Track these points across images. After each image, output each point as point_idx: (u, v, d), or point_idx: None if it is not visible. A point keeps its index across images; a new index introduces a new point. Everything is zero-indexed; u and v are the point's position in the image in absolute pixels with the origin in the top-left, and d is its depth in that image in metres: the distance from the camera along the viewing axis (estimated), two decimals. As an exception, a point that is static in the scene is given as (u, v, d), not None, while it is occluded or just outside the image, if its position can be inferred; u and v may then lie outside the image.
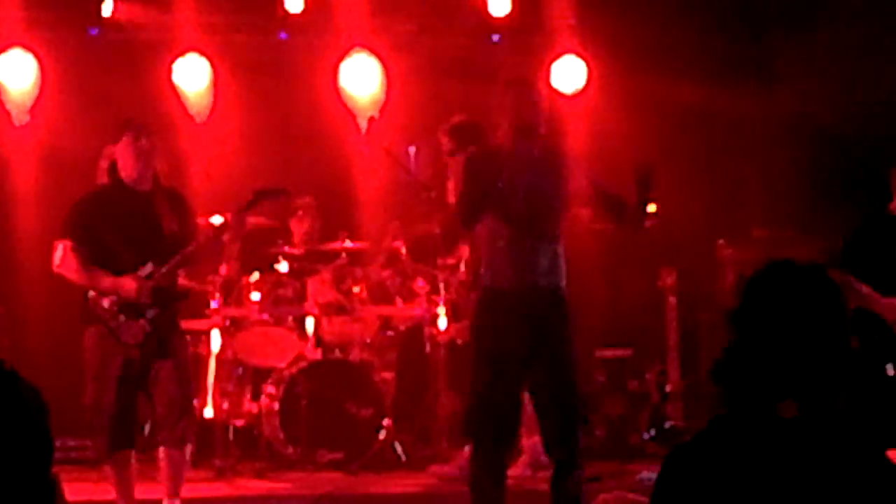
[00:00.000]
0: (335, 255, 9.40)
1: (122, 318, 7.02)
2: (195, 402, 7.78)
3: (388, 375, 9.32)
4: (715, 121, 10.05)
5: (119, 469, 7.12)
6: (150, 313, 7.05)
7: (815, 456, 2.64)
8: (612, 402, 9.39)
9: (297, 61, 10.14)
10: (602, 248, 9.24)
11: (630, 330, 9.90)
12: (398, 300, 9.44)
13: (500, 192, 6.30)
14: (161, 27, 9.80)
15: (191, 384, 7.56)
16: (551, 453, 6.49)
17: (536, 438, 7.53)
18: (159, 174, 7.25)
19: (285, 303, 9.37)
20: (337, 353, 9.23)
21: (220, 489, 8.37)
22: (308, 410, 8.82)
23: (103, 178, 7.22)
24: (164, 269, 7.06)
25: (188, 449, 7.20)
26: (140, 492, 7.30)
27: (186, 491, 7.31)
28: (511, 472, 6.85)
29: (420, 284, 9.18)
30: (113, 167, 7.15)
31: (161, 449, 7.11)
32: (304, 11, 9.84)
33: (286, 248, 9.46)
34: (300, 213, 9.58)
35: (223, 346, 9.11)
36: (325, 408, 8.88)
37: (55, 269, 7.13)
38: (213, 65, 9.78)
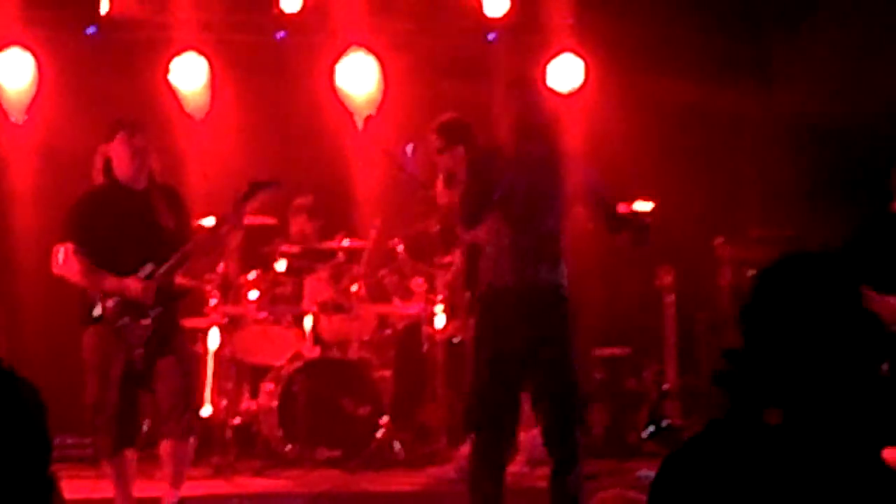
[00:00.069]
0: (333, 253, 9.40)
1: (125, 319, 7.03)
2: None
3: (385, 373, 9.32)
4: (713, 120, 10.05)
5: (120, 467, 7.13)
6: (153, 313, 7.06)
7: (809, 464, 2.63)
8: (609, 401, 9.40)
9: (294, 60, 10.14)
10: (600, 246, 9.25)
11: (628, 329, 9.91)
12: (396, 299, 9.44)
13: (502, 192, 6.32)
14: (158, 26, 9.80)
15: (193, 378, 7.60)
16: (550, 452, 6.50)
17: (533, 433, 7.54)
18: (154, 171, 7.26)
19: (283, 301, 9.38)
20: (335, 351, 9.24)
21: (219, 487, 8.37)
22: (306, 408, 8.82)
23: (98, 178, 7.21)
24: (164, 268, 7.07)
25: (192, 441, 7.22)
26: (138, 489, 7.31)
27: (185, 489, 7.32)
28: (509, 469, 6.85)
29: (418, 283, 9.19)
30: (108, 166, 7.15)
31: (165, 441, 7.12)
32: (301, 10, 9.85)
33: (284, 247, 9.47)
34: (299, 212, 9.60)
35: (221, 345, 9.11)
36: (323, 406, 8.88)
37: (56, 272, 7.13)
38: (210, 63, 9.78)
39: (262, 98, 10.03)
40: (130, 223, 7.09)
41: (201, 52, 9.74)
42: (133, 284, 6.99)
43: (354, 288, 9.26)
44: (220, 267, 9.08)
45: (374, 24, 9.93)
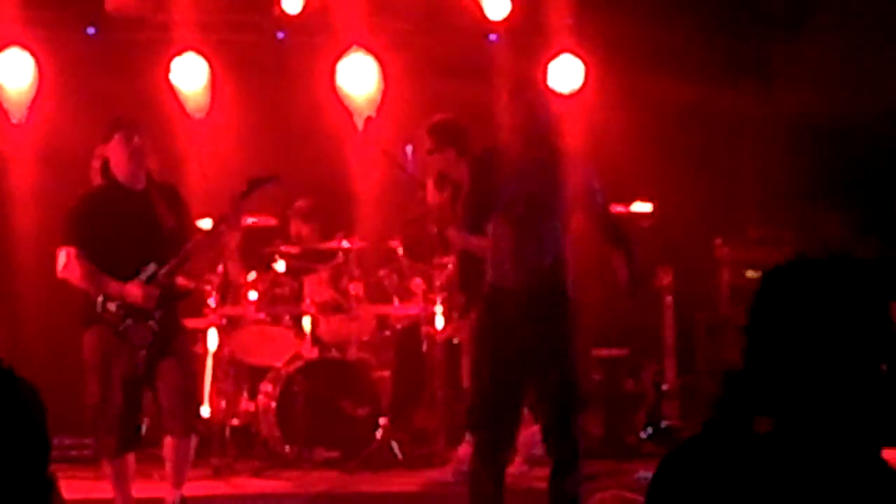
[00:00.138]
0: (332, 254, 9.40)
1: (129, 321, 7.03)
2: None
3: (384, 374, 9.32)
4: (712, 120, 10.05)
5: (121, 469, 7.14)
6: (157, 314, 7.07)
7: (799, 472, 2.62)
8: (608, 402, 9.39)
9: (294, 60, 10.14)
10: (598, 247, 9.25)
11: (626, 329, 9.91)
12: (395, 299, 9.44)
13: (506, 195, 6.33)
14: (158, 26, 9.80)
15: (195, 378, 7.62)
16: (550, 452, 6.50)
17: (530, 430, 7.54)
18: (152, 171, 7.26)
19: (282, 302, 9.38)
20: (334, 351, 9.24)
21: (218, 488, 8.37)
22: (305, 409, 8.82)
23: (96, 179, 7.21)
24: (165, 269, 7.07)
25: (194, 439, 7.23)
26: (137, 489, 7.31)
27: (184, 489, 7.32)
28: (507, 469, 6.86)
29: (417, 283, 9.19)
30: (106, 167, 7.15)
31: (168, 439, 7.12)
32: (301, 11, 9.84)
33: (283, 248, 9.47)
34: (298, 215, 9.62)
35: (220, 345, 9.11)
36: (322, 406, 8.88)
37: (59, 276, 7.13)
38: (210, 64, 9.78)
39: (262, 98, 10.03)
40: (131, 224, 7.09)
41: (201, 53, 9.75)
42: (135, 290, 7.00)
43: (353, 289, 9.26)
44: (220, 268, 9.09)
45: (374, 25, 9.93)
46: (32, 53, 9.62)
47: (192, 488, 7.50)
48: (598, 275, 6.72)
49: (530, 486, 7.61)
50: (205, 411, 8.87)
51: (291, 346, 9.19)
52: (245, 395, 9.30)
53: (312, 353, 9.16)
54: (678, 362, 9.48)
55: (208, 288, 8.99)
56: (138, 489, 7.34)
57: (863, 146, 9.32)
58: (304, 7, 9.81)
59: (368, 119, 9.39)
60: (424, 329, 9.18)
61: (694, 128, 10.03)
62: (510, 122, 6.49)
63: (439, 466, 8.61)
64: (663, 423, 9.39)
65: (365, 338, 9.33)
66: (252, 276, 9.28)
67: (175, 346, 7.16)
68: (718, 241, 9.75)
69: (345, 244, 9.34)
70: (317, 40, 10.03)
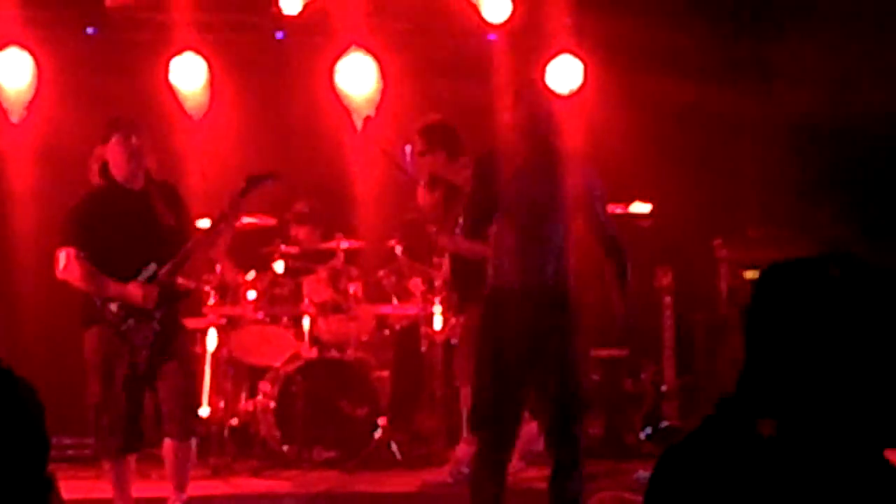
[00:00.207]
0: (331, 254, 9.40)
1: (130, 321, 7.03)
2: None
3: (383, 374, 9.32)
4: (711, 120, 10.05)
5: (121, 469, 7.13)
6: (158, 314, 7.07)
7: (813, 472, 2.62)
8: (607, 402, 9.39)
9: (293, 60, 10.14)
10: (597, 247, 9.25)
11: (626, 329, 9.88)
12: (394, 299, 9.44)
13: (508, 197, 6.33)
14: (157, 26, 9.80)
15: (195, 379, 7.62)
16: (551, 453, 6.49)
17: (528, 427, 7.53)
18: (151, 170, 7.25)
19: (281, 302, 9.38)
20: (333, 352, 9.23)
21: (216, 487, 8.37)
22: (304, 409, 8.82)
23: (95, 180, 7.20)
24: (166, 269, 7.07)
25: (193, 442, 7.22)
26: (137, 489, 7.31)
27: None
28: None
29: (416, 283, 9.19)
30: (104, 168, 7.14)
31: (168, 442, 7.12)
32: (300, 11, 9.84)
33: (282, 248, 9.47)
34: (298, 218, 9.63)
35: (219, 345, 9.12)
36: (321, 406, 8.89)
37: (60, 277, 7.13)
38: (209, 63, 9.78)
39: (261, 98, 10.03)
40: (130, 224, 7.09)
41: (200, 52, 9.75)
42: (135, 291, 7.00)
43: (352, 289, 9.26)
44: (219, 267, 9.09)
45: (374, 25, 9.93)
46: (31, 53, 9.63)
47: (191, 488, 7.49)
48: (597, 275, 6.70)
49: (530, 486, 7.61)
50: (204, 411, 8.86)
51: (290, 346, 9.19)
52: (244, 394, 9.31)
53: (311, 353, 9.16)
54: (677, 363, 9.48)
55: (207, 288, 9.00)
56: (137, 489, 7.34)
57: (863, 146, 9.32)
58: (304, 7, 9.81)
59: (367, 119, 9.39)
60: (423, 329, 9.18)
61: (693, 128, 10.03)
62: (513, 124, 6.49)
63: (438, 466, 8.60)
64: (662, 424, 9.39)
65: (364, 338, 9.33)
66: (251, 275, 9.28)
67: (176, 347, 7.16)
68: (718, 241, 9.75)
69: (344, 244, 9.34)
70: (316, 40, 10.03)
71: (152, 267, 7.06)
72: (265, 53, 10.21)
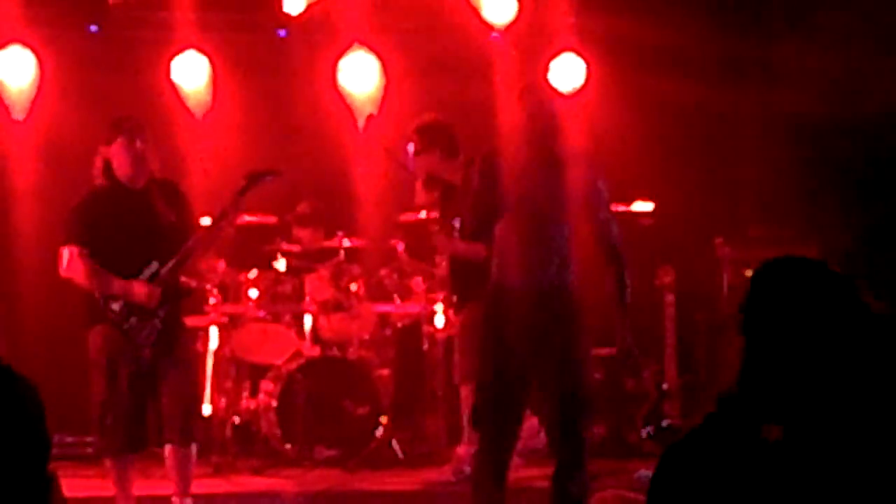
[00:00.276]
0: (333, 252, 9.40)
1: (133, 319, 7.04)
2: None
3: (385, 373, 9.32)
4: (713, 119, 10.05)
5: (123, 467, 7.14)
6: (161, 312, 7.08)
7: (824, 478, 2.61)
8: (609, 401, 9.39)
9: (295, 58, 10.13)
10: (598, 254, 9.25)
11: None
12: (396, 298, 9.44)
13: (512, 195, 6.32)
14: (160, 24, 9.79)
15: (196, 382, 7.62)
16: (553, 453, 6.49)
17: (527, 423, 7.52)
18: (153, 170, 7.26)
19: (283, 300, 9.38)
20: (335, 350, 9.24)
21: (218, 485, 8.37)
22: (306, 407, 8.82)
23: (99, 179, 7.21)
24: (168, 267, 7.08)
25: (194, 447, 7.22)
26: (138, 489, 7.31)
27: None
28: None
29: (418, 282, 9.19)
30: (108, 167, 7.15)
31: (169, 447, 7.12)
32: (302, 11, 9.84)
33: (284, 246, 9.47)
34: (301, 220, 9.63)
35: (221, 343, 9.12)
36: (323, 405, 8.89)
37: (63, 275, 7.14)
38: (211, 62, 9.77)
39: (263, 96, 10.03)
40: (132, 222, 7.10)
41: (203, 51, 9.74)
42: (138, 289, 7.01)
43: (354, 287, 9.26)
44: (221, 265, 9.10)
45: (376, 23, 9.92)
46: (34, 51, 9.62)
47: (192, 486, 7.49)
48: (599, 274, 6.69)
49: (531, 486, 7.60)
50: (206, 409, 8.87)
51: (292, 344, 9.19)
52: (246, 393, 9.31)
53: (313, 351, 9.17)
54: (679, 361, 9.48)
55: (209, 286, 9.00)
56: (139, 488, 7.34)
57: (864, 145, 9.32)
58: (307, 7, 9.81)
59: (370, 117, 9.38)
60: (425, 328, 9.19)
61: (695, 127, 10.03)
62: (517, 123, 6.48)
63: (440, 465, 8.60)
64: (664, 423, 9.39)
65: (366, 336, 9.33)
66: (253, 274, 9.28)
67: (179, 352, 7.17)
68: (719, 240, 9.74)
69: (346, 242, 9.34)
70: (318, 38, 10.02)
71: (154, 265, 7.07)
72: (268, 52, 10.20)
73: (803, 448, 2.60)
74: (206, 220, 7.53)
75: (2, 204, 9.68)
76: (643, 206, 9.56)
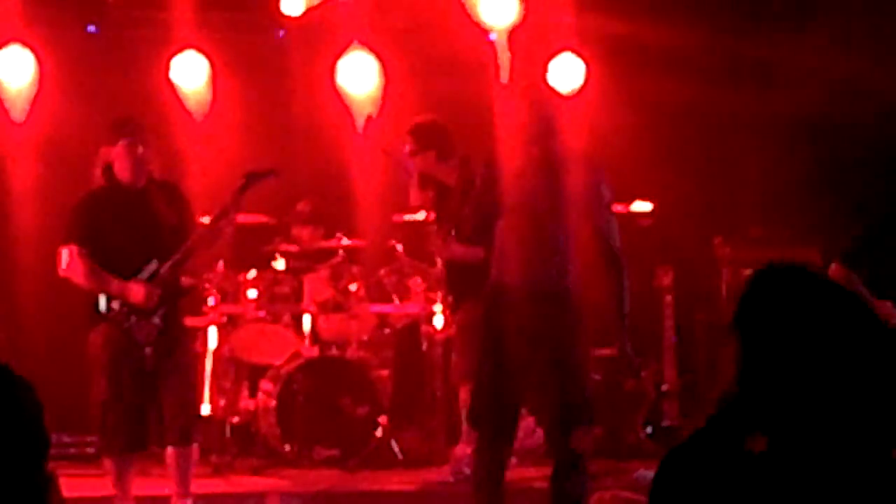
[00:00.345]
0: (332, 252, 9.40)
1: (133, 318, 7.05)
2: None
3: (384, 373, 9.32)
4: (713, 119, 10.05)
5: (123, 467, 7.14)
6: (160, 311, 7.09)
7: (807, 490, 2.61)
8: (608, 401, 9.39)
9: (294, 59, 10.13)
10: (597, 259, 9.24)
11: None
12: (395, 298, 9.44)
13: (512, 195, 6.32)
14: (159, 24, 9.79)
15: (196, 383, 7.63)
16: (551, 453, 6.48)
17: (524, 423, 7.52)
18: (153, 171, 7.28)
19: (282, 300, 9.38)
20: (334, 350, 9.24)
21: (217, 486, 8.37)
22: (305, 408, 8.82)
23: (99, 180, 7.23)
24: (167, 267, 7.09)
25: (195, 448, 7.23)
26: (136, 488, 7.31)
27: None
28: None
29: (416, 282, 9.19)
30: (108, 169, 7.17)
31: (170, 450, 7.12)
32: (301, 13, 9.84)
33: (283, 246, 9.47)
34: (300, 218, 9.63)
35: (220, 344, 9.12)
36: (322, 405, 8.89)
37: (62, 274, 7.15)
38: (211, 62, 9.77)
39: (262, 96, 10.03)
40: (132, 222, 7.12)
41: (202, 51, 9.74)
42: (136, 289, 7.02)
43: (353, 287, 9.26)
44: (220, 266, 9.10)
45: (375, 23, 9.92)
46: (33, 51, 9.62)
47: (191, 486, 7.50)
48: (599, 274, 6.67)
49: (531, 486, 7.60)
50: (205, 409, 8.87)
51: (291, 344, 9.19)
52: (245, 393, 9.31)
53: (312, 351, 9.17)
54: (678, 362, 9.48)
55: (208, 286, 9.00)
56: (138, 487, 7.34)
57: (863, 145, 9.32)
58: (306, 10, 9.80)
59: (369, 118, 9.39)
60: (424, 328, 9.19)
61: (695, 127, 10.03)
62: (517, 123, 6.48)
63: (439, 465, 8.61)
64: (663, 423, 9.40)
65: (364, 336, 9.33)
66: (252, 274, 9.28)
67: (179, 355, 7.18)
68: (718, 240, 9.74)
69: (345, 243, 9.34)
70: (317, 38, 10.02)
71: (153, 265, 7.08)
72: (266, 52, 10.20)
73: (789, 460, 2.60)
74: (205, 220, 7.54)
75: (1, 204, 9.68)
76: (642, 206, 9.56)
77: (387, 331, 9.55)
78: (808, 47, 9.50)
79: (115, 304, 7.05)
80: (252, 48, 10.15)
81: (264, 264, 9.39)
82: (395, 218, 9.17)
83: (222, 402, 9.11)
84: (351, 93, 9.89)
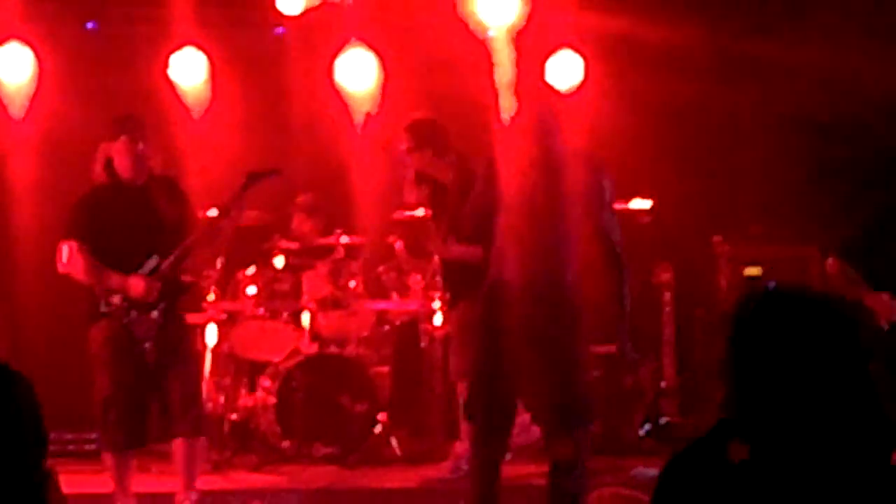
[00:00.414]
0: (331, 249, 9.40)
1: (133, 313, 7.06)
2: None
3: (383, 370, 9.33)
4: (712, 116, 10.05)
5: (123, 463, 7.15)
6: (160, 307, 7.10)
7: (781, 490, 2.61)
8: (606, 398, 9.39)
9: (293, 56, 10.13)
10: (597, 259, 9.24)
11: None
12: (394, 295, 9.45)
13: (511, 194, 6.32)
14: (158, 21, 9.79)
15: (199, 376, 7.65)
16: (549, 451, 6.48)
17: (519, 419, 7.52)
18: (154, 168, 7.30)
19: (281, 297, 9.38)
20: (333, 347, 9.24)
21: (216, 482, 8.36)
22: (304, 404, 8.83)
23: (100, 176, 7.24)
24: (167, 263, 7.10)
25: (203, 440, 7.26)
26: (136, 485, 7.32)
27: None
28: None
29: (416, 279, 9.19)
30: (109, 164, 7.18)
31: (178, 441, 7.14)
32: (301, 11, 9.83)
33: (282, 243, 9.47)
34: (301, 210, 9.62)
35: (219, 340, 9.12)
36: (321, 402, 8.89)
37: (61, 270, 7.16)
38: (209, 59, 9.77)
39: (261, 93, 10.03)
40: (132, 218, 7.14)
41: (201, 48, 9.74)
42: (136, 283, 7.04)
43: (352, 284, 9.26)
44: (219, 262, 9.10)
45: (374, 20, 9.92)
46: (32, 48, 9.61)
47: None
48: (598, 271, 6.68)
49: (529, 483, 7.60)
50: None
51: (290, 341, 9.19)
52: (244, 390, 9.31)
53: (311, 348, 9.17)
54: (677, 359, 9.49)
55: (207, 283, 9.00)
56: (138, 484, 7.35)
57: (862, 143, 9.32)
58: (304, 10, 9.80)
59: (368, 115, 9.38)
60: (423, 325, 9.20)
61: (694, 124, 10.03)
62: (516, 122, 6.48)
63: (438, 462, 8.61)
64: (662, 420, 9.40)
65: (364, 333, 9.34)
66: (251, 271, 9.28)
67: (181, 344, 7.21)
68: (717, 237, 9.74)
69: (344, 240, 9.34)
70: (316, 35, 10.02)
71: (154, 261, 7.10)
72: (265, 49, 10.20)
73: (772, 470, 2.61)
74: (212, 212, 7.57)
75: (1, 201, 9.68)
76: (641, 203, 9.56)
77: (386, 328, 9.55)
78: (806, 46, 9.49)
79: (116, 300, 7.06)
80: (251, 45, 10.15)
81: (263, 261, 9.39)
82: (395, 215, 9.16)
83: (221, 399, 9.12)
84: (350, 90, 9.89)
